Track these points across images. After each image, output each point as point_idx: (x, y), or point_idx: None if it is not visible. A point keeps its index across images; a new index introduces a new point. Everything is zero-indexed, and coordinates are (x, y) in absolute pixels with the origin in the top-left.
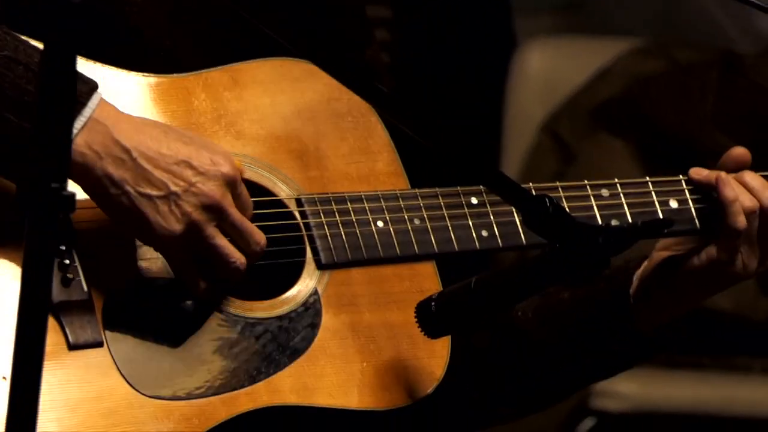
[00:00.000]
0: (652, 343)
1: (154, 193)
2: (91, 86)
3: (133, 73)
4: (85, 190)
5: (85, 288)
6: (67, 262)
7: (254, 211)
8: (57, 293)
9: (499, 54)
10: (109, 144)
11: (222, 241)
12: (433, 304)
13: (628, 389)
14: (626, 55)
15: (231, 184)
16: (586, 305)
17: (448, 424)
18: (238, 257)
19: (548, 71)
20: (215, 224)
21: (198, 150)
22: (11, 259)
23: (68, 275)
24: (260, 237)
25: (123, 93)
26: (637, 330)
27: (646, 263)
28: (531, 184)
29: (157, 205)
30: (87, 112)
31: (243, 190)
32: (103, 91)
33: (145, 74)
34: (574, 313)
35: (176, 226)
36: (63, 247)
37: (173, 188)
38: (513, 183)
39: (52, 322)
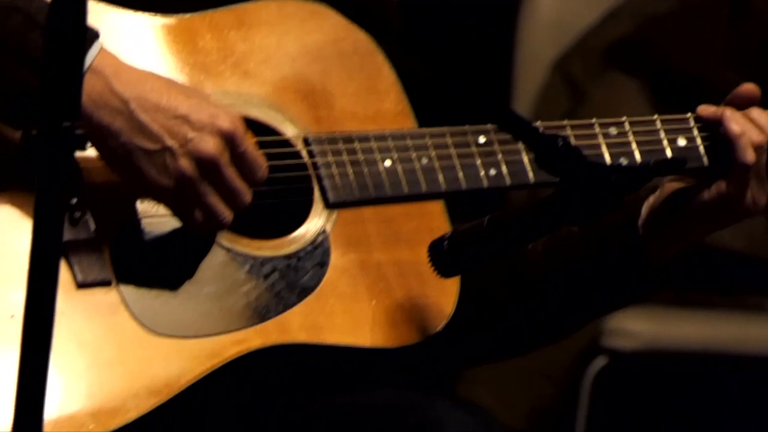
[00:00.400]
0: (660, 277)
1: (150, 146)
2: (92, 35)
3: (138, 13)
4: None
5: (93, 226)
6: (74, 201)
7: (262, 150)
8: (65, 232)
9: None
10: (107, 94)
11: (212, 199)
12: (445, 243)
13: (639, 327)
14: None
15: (230, 140)
16: (594, 237)
17: (455, 360)
18: (225, 215)
19: (559, 11)
20: (208, 181)
21: (198, 105)
22: (18, 202)
23: (75, 214)
24: (248, 196)
25: (128, 33)
26: (645, 261)
27: (656, 194)
28: (540, 122)
29: (151, 159)
30: (87, 61)
31: (248, 146)
32: (108, 32)
33: (151, 14)
34: (582, 244)
35: (168, 181)
36: (72, 186)
37: (168, 143)
38: (525, 121)
39: (61, 261)
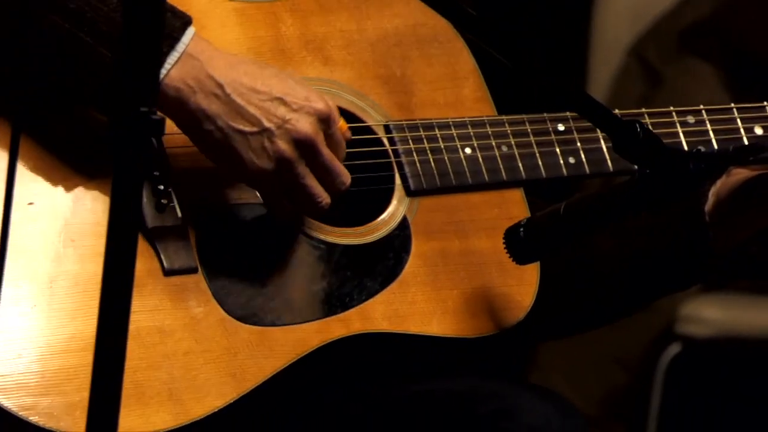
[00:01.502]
0: (727, 264)
1: (247, 128)
2: (185, 21)
3: None
4: (179, 125)
5: (179, 214)
6: (161, 187)
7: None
8: (151, 219)
9: None
10: (203, 79)
11: (311, 181)
12: (521, 230)
13: (713, 315)
14: None
15: (324, 121)
16: (660, 221)
17: (522, 337)
18: (324, 197)
19: None
20: (305, 162)
21: (293, 87)
22: (102, 188)
23: (162, 201)
24: (346, 177)
25: (212, 19)
26: (711, 248)
27: (722, 180)
28: (617, 110)
29: (249, 141)
30: (180, 47)
31: (336, 128)
32: (193, 18)
33: (234, 0)
34: (648, 228)
35: (267, 163)
36: (157, 173)
37: (266, 124)
38: (603, 107)
39: (146, 248)
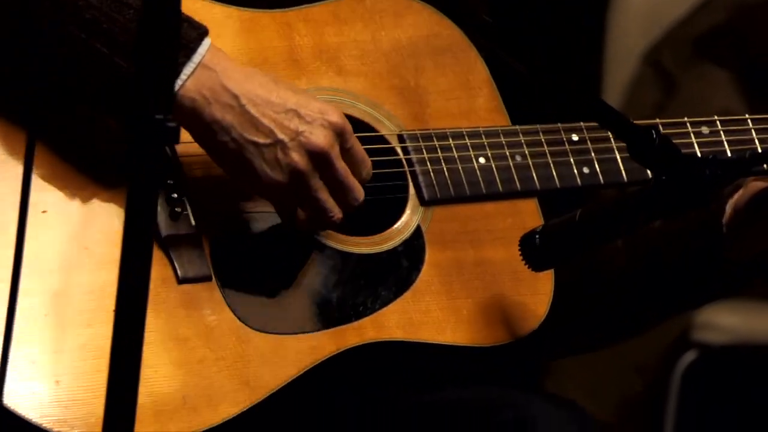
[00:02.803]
0: (744, 274)
1: (261, 140)
2: (201, 31)
3: (235, 8)
4: (193, 136)
5: (193, 222)
6: (175, 196)
7: None
8: (165, 227)
9: None
10: (218, 90)
11: (323, 195)
12: (537, 237)
13: (729, 322)
14: None
15: (340, 134)
16: (677, 234)
17: (538, 353)
18: (336, 212)
19: (649, 1)
20: (319, 175)
21: (307, 99)
22: (116, 196)
23: (176, 209)
24: (360, 193)
25: (226, 28)
26: (727, 259)
27: (739, 193)
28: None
29: (263, 153)
30: (196, 57)
31: (355, 143)
32: (208, 27)
33: (248, 9)
34: (664, 241)
35: (280, 175)
36: (171, 182)
37: (280, 136)
38: (619, 114)
39: (160, 256)
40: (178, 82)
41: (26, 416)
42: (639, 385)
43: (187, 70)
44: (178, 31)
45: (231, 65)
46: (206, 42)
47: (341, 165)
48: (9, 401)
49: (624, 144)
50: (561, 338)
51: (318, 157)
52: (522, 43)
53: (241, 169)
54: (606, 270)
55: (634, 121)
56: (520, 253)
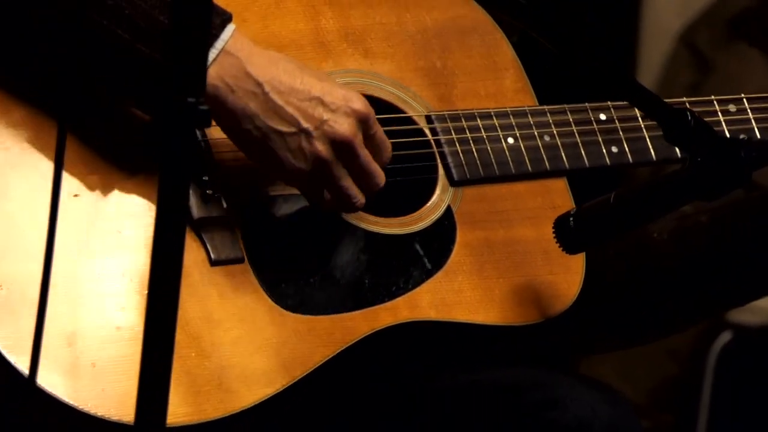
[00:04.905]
0: None
1: (285, 128)
2: (225, 18)
3: None
4: (217, 122)
5: (225, 204)
6: (206, 179)
7: (385, 128)
8: (197, 210)
9: None
10: (242, 77)
11: (347, 182)
12: (571, 219)
13: (765, 302)
14: None
15: (363, 122)
16: (724, 229)
17: (575, 344)
18: (359, 198)
19: None
20: (342, 164)
21: (331, 87)
22: (148, 179)
23: (207, 192)
24: (381, 178)
25: (252, 13)
26: None
27: None
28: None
29: (287, 141)
30: (219, 44)
31: (377, 129)
32: (233, 12)
33: None
34: (712, 235)
35: (304, 164)
36: (202, 165)
37: (304, 125)
38: (653, 95)
39: (193, 239)
40: None
41: (63, 399)
42: (673, 367)
43: (210, 56)
44: (209, 13)
45: (255, 51)
46: (229, 28)
47: (364, 153)
48: (46, 384)
49: (652, 122)
50: (595, 333)
51: (342, 146)
52: (556, 24)
53: (264, 157)
54: (651, 262)
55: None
56: (554, 235)
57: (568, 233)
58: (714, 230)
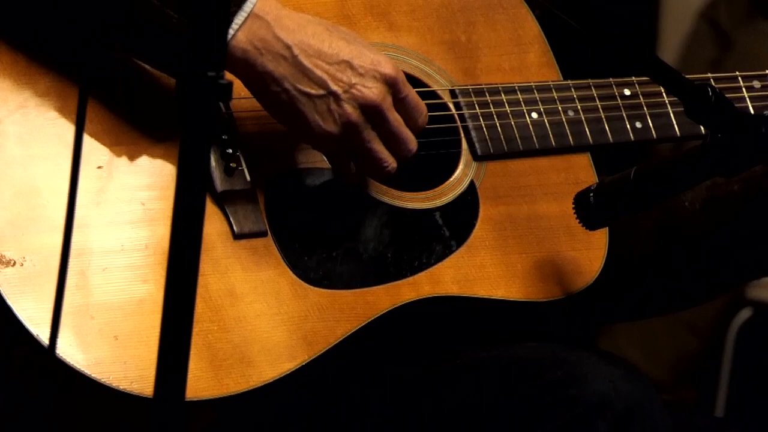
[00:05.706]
0: None
1: (314, 91)
2: None
3: None
4: (246, 86)
5: (248, 177)
6: (230, 151)
7: None
8: (221, 183)
9: None
10: (270, 40)
11: (377, 146)
12: (591, 195)
13: None
14: None
15: (392, 85)
16: (757, 198)
17: (597, 315)
18: (390, 162)
19: None
20: (372, 127)
21: (360, 50)
22: (171, 151)
23: (231, 164)
24: (413, 143)
25: None
26: None
27: None
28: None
29: (315, 104)
30: (248, 6)
31: (409, 91)
32: None
33: None
34: (744, 206)
35: (333, 127)
36: (225, 137)
37: (333, 88)
38: (674, 71)
39: (216, 211)
40: (230, 32)
41: (85, 371)
42: (694, 343)
43: (239, 19)
44: None
45: (284, 13)
46: None
47: (394, 116)
48: (67, 357)
49: (676, 98)
50: (621, 302)
51: (370, 110)
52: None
53: (293, 120)
54: (682, 231)
55: (687, 76)
56: (574, 211)
57: (589, 209)
58: (747, 198)
